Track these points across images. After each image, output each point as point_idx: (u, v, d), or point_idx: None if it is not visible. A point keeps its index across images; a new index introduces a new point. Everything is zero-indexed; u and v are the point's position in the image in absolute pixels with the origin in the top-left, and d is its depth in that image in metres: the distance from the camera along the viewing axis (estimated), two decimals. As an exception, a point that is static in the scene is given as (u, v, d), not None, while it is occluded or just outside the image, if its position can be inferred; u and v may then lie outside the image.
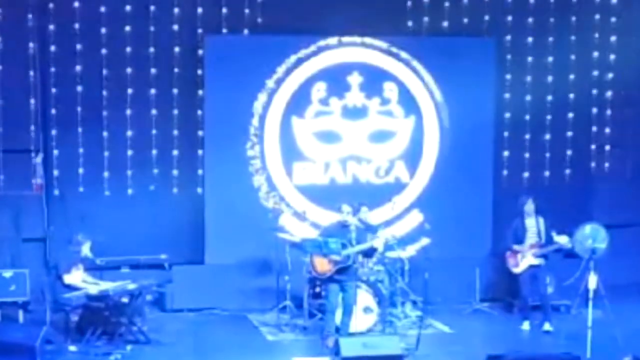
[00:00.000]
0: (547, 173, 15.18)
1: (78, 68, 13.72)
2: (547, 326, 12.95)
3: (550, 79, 15.04)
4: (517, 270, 13.06)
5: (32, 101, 13.66)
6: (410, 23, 14.55)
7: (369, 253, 12.30)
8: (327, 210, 13.64)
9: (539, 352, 11.81)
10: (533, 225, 12.98)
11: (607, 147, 15.43)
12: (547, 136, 15.16)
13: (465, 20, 14.63)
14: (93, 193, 13.89)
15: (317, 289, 12.78)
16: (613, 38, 15.13)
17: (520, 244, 13.01)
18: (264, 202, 14.23)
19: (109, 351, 11.64)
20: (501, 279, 14.46)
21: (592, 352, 11.21)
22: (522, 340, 12.50)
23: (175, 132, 14.12)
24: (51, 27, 13.59)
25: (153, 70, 13.92)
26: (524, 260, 12.97)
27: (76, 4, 13.61)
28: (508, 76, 14.93)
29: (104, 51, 13.75)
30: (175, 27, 13.92)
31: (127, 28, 13.77)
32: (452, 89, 14.53)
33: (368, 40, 14.35)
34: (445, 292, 13.76)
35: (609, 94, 15.28)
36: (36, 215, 13.79)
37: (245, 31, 14.08)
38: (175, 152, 14.15)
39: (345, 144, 14.44)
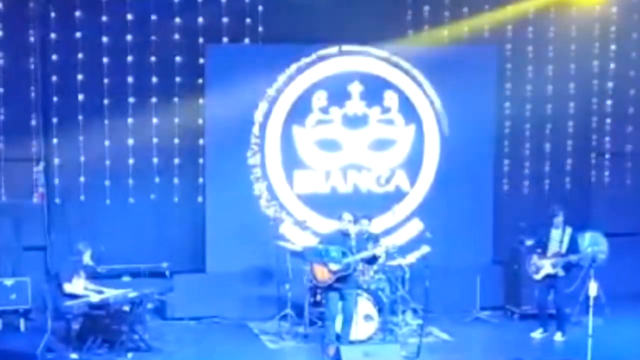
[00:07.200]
0: (547, 181, 15.21)
1: (80, 77, 13.74)
2: (558, 336, 12.95)
3: (550, 88, 15.06)
4: (536, 277, 13.08)
5: (34, 110, 13.69)
6: (410, 32, 14.58)
7: (370, 261, 12.32)
8: (328, 219, 13.62)
9: (540, 360, 11.88)
10: (558, 235, 13.00)
11: (607, 155, 15.45)
12: (547, 144, 15.19)
13: (466, 29, 14.66)
14: (94, 202, 13.90)
15: (318, 297, 12.79)
16: (613, 47, 15.17)
17: (544, 252, 13.04)
18: (265, 210, 14.25)
19: (110, 359, 11.67)
20: (502, 287, 14.51)
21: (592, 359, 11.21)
22: (523, 348, 12.47)
23: (177, 141, 14.14)
24: (52, 35, 13.61)
25: (154, 80, 13.93)
26: (542, 268, 12.98)
27: (78, 13, 13.64)
28: (508, 85, 14.96)
29: (105, 60, 13.79)
30: (177, 35, 13.95)
31: (129, 37, 13.80)
32: (453, 97, 14.55)
33: (368, 49, 14.39)
34: (445, 300, 13.75)
35: (608, 102, 15.31)
36: (37, 223, 13.80)
37: (246, 40, 14.10)
38: (176, 161, 14.17)
39: (346, 152, 14.46)
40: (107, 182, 13.93)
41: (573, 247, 12.99)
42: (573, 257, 12.90)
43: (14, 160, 13.72)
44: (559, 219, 12.98)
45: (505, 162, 15.12)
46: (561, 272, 12.95)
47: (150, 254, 13.57)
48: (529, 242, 13.67)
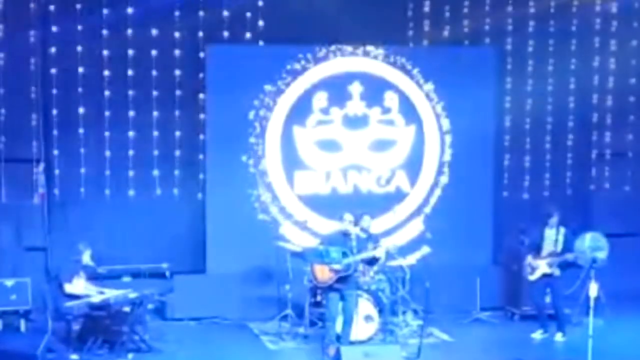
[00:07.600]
0: (547, 181, 15.21)
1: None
2: (558, 337, 12.94)
3: (550, 88, 15.10)
4: (531, 277, 13.08)
5: (34, 110, 13.69)
6: (410, 32, 14.59)
7: (370, 262, 12.31)
8: (329, 219, 13.62)
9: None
10: (552, 235, 13.00)
11: (608, 156, 15.46)
12: (548, 145, 15.21)
13: (466, 29, 14.66)
14: (94, 202, 13.90)
15: (318, 298, 12.78)
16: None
17: (538, 252, 13.04)
18: (264, 215, 14.24)
19: (110, 360, 11.70)
20: (502, 287, 14.51)
21: (593, 360, 11.23)
22: (523, 349, 12.47)
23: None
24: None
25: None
26: (538, 268, 12.98)
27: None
28: (508, 85, 14.98)
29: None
30: (177, 35, 13.94)
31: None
32: (453, 97, 14.55)
33: (369, 49, 14.40)
34: (446, 301, 13.76)
35: (609, 100, 15.32)
36: (37, 224, 13.80)
37: (247, 40, 14.09)
38: (177, 160, 14.18)
39: (346, 153, 14.46)
40: (107, 183, 13.93)
41: (568, 245, 12.99)
42: (569, 256, 12.90)
43: (14, 160, 13.72)
44: (554, 219, 12.99)
45: (506, 162, 15.13)
46: (557, 272, 12.94)
47: (150, 254, 13.58)
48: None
